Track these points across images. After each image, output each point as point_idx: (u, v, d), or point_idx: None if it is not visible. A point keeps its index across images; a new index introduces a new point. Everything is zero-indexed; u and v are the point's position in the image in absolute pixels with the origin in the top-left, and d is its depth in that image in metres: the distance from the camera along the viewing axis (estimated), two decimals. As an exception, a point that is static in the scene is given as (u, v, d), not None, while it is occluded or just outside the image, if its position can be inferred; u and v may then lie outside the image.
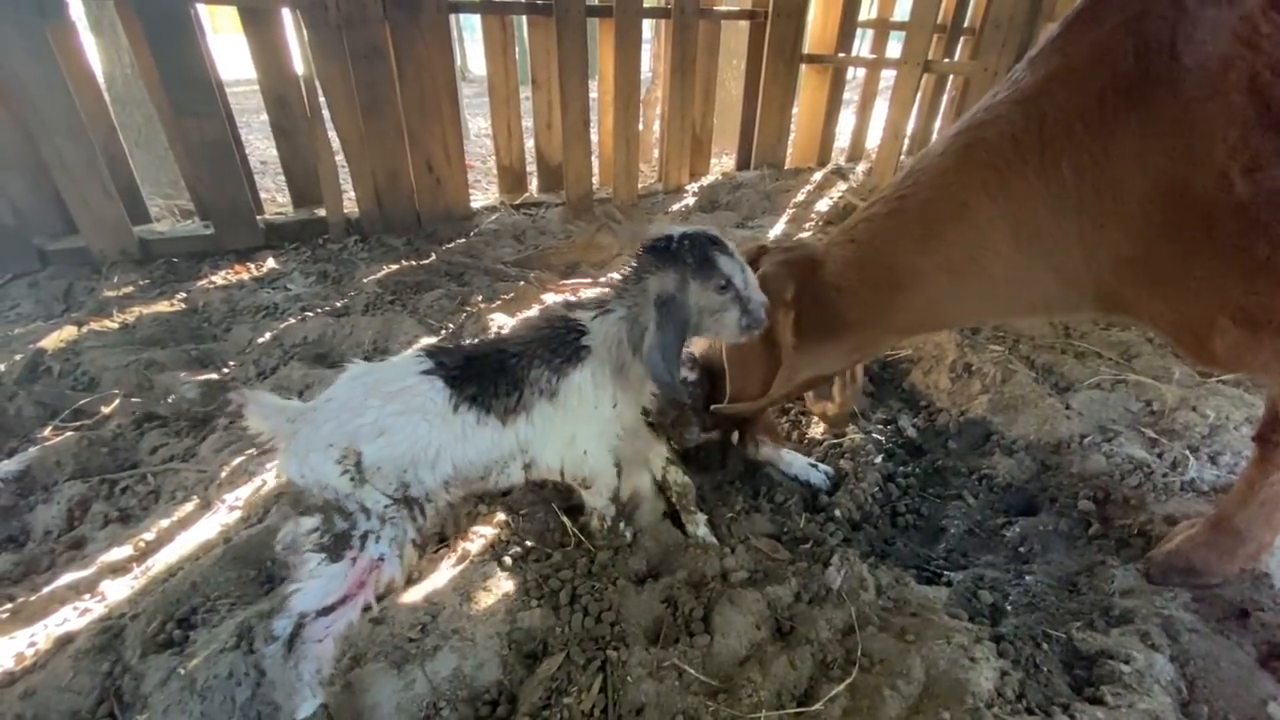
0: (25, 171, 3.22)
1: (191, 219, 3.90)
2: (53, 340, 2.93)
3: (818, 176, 5.05)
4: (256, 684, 1.52)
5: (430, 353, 1.58)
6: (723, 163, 5.46)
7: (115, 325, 3.13)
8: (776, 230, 4.20)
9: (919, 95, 4.77)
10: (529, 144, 4.85)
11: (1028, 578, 1.73)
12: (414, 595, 1.69)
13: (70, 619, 1.73)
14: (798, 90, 5.20)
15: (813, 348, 1.78)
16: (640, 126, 5.19)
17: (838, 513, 1.95)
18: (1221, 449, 2.07)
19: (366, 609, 1.50)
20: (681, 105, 4.64)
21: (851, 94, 7.35)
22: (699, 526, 1.89)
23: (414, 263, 3.82)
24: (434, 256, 3.92)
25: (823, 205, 4.49)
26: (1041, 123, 1.25)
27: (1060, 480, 2.06)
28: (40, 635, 1.68)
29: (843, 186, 4.79)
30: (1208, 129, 1.06)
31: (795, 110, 5.39)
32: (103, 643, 1.63)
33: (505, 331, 1.78)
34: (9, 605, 1.77)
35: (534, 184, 4.82)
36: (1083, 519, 1.91)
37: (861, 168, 5.37)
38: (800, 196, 4.72)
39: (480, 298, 3.40)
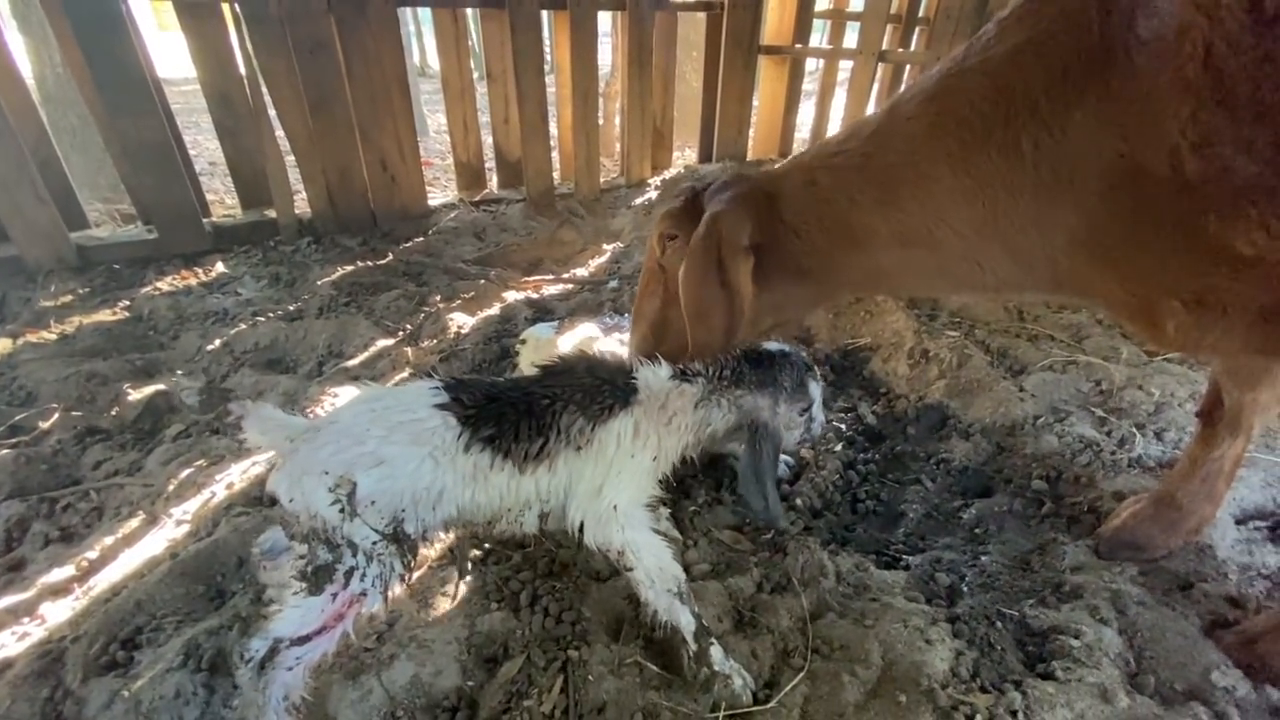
0: (-53, 177, 3.06)
1: (133, 223, 3.74)
2: (-16, 354, 2.79)
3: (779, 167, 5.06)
4: (205, 703, 1.47)
5: (448, 385, 1.51)
6: (685, 155, 5.45)
7: (53, 336, 3.00)
8: (738, 222, 4.20)
9: (875, 85, 4.81)
10: (487, 140, 4.77)
11: (983, 558, 1.76)
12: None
13: (8, 644, 1.65)
14: (757, 82, 5.21)
15: (772, 293, 1.70)
16: (600, 120, 5.15)
17: (799, 501, 1.96)
18: (1166, 425, 2.13)
19: (344, 640, 1.39)
20: (641, 98, 4.61)
21: (811, 85, 7.40)
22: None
23: (370, 263, 3.74)
24: (391, 256, 3.84)
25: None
26: (1008, 96, 1.21)
27: (1014, 461, 2.10)
28: (-26, 664, 1.60)
29: (803, 177, 4.81)
30: (1161, 104, 1.03)
31: (755, 102, 5.40)
32: (42, 667, 1.56)
33: (537, 372, 1.62)
34: (-60, 635, 1.68)
35: (494, 180, 4.75)
36: (1036, 498, 1.96)
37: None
38: (761, 187, 4.72)
39: (439, 297, 3.34)
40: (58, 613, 1.73)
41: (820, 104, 5.50)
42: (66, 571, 1.86)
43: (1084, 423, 2.18)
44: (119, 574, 1.83)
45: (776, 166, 1.81)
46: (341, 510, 1.30)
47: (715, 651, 1.39)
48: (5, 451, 2.30)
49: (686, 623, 1.40)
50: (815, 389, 1.63)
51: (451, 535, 1.63)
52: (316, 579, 1.30)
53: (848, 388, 2.59)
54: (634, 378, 1.61)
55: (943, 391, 2.43)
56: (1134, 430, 2.11)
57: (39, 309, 3.16)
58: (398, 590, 1.44)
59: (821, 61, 5.55)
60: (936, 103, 1.34)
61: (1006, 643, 1.48)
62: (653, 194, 4.73)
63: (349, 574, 1.31)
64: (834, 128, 5.33)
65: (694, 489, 2.06)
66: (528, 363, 2.38)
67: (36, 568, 1.89)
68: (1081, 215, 1.21)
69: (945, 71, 1.34)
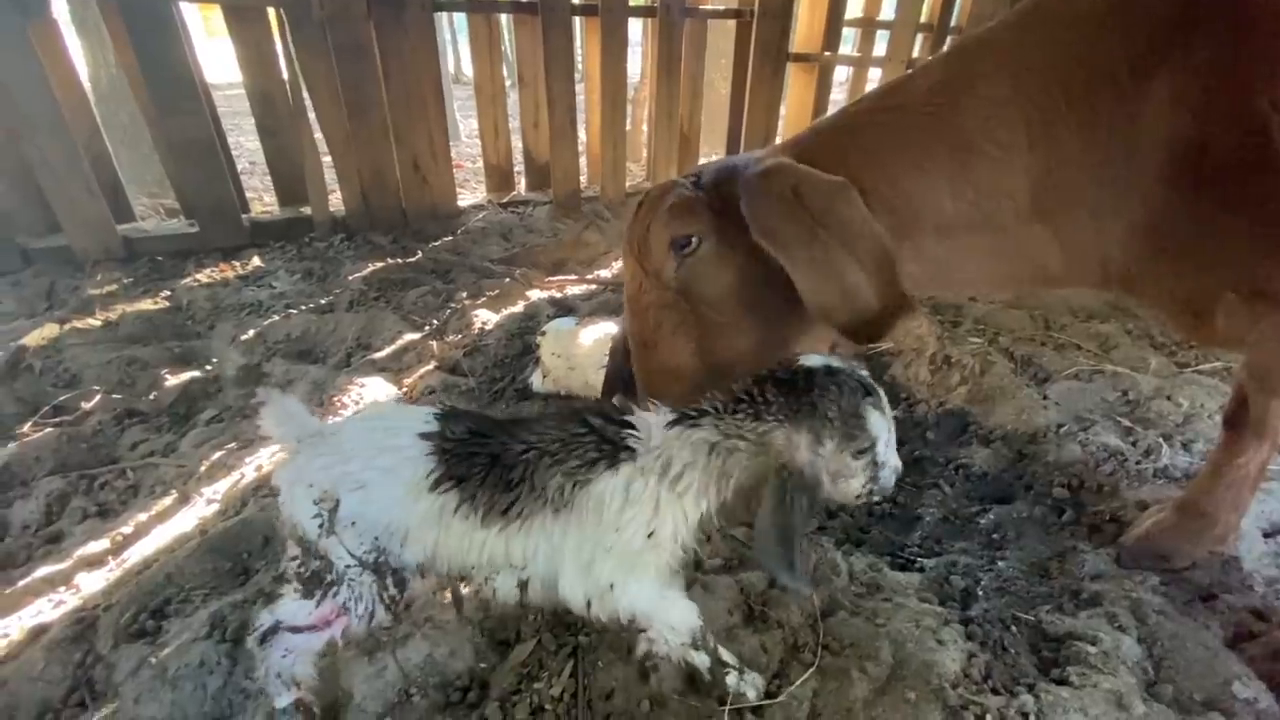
0: (7, 170, 3.22)
1: (176, 217, 3.89)
2: (34, 338, 2.93)
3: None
4: (229, 673, 1.52)
5: (443, 414, 1.33)
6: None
7: (98, 323, 3.13)
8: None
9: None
10: (518, 145, 4.86)
11: (1000, 563, 1.74)
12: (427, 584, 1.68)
13: (44, 611, 1.72)
14: (785, 90, 5.22)
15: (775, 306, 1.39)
16: (629, 126, 5.21)
17: (814, 502, 1.96)
18: (1194, 437, 2.09)
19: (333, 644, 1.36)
20: (669, 104, 4.66)
21: (840, 95, 7.38)
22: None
23: (399, 260, 3.83)
24: (420, 254, 3.93)
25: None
26: (1092, 62, 1.09)
27: (1036, 469, 2.07)
28: (13, 627, 1.68)
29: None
30: (1250, 75, 0.94)
31: (783, 110, 5.40)
32: (75, 633, 1.63)
33: (533, 420, 1.37)
34: (-17, 598, 1.77)
35: (522, 183, 4.83)
36: (1056, 506, 1.93)
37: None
38: (787, 194, 4.73)
39: (465, 294, 3.41)
40: (92, 583, 1.81)
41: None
42: (102, 545, 1.94)
43: (1109, 432, 2.15)
44: (151, 548, 1.91)
45: (796, 136, 1.48)
46: (321, 526, 1.25)
47: (731, 679, 1.33)
48: (49, 430, 2.41)
49: (701, 662, 1.33)
50: (879, 422, 1.16)
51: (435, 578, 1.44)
52: (308, 583, 1.29)
53: (868, 392, 2.58)
54: (627, 427, 1.26)
55: (964, 398, 2.40)
56: (1160, 440, 2.06)
57: (85, 297, 3.30)
58: (382, 616, 1.34)
59: (851, 70, 5.54)
60: (1018, 62, 1.17)
61: (1020, 646, 1.47)
62: (678, 198, 4.76)
63: (330, 585, 1.28)
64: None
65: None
66: (548, 354, 2.42)
67: (73, 540, 1.97)
68: (1145, 201, 1.11)
69: (1019, 24, 1.19)
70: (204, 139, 3.48)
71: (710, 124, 5.33)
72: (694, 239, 1.37)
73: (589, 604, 1.27)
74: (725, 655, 1.36)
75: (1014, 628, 1.51)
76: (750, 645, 1.48)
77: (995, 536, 1.85)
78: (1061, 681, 1.36)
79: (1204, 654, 1.40)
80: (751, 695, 1.32)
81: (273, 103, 3.71)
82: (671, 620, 1.30)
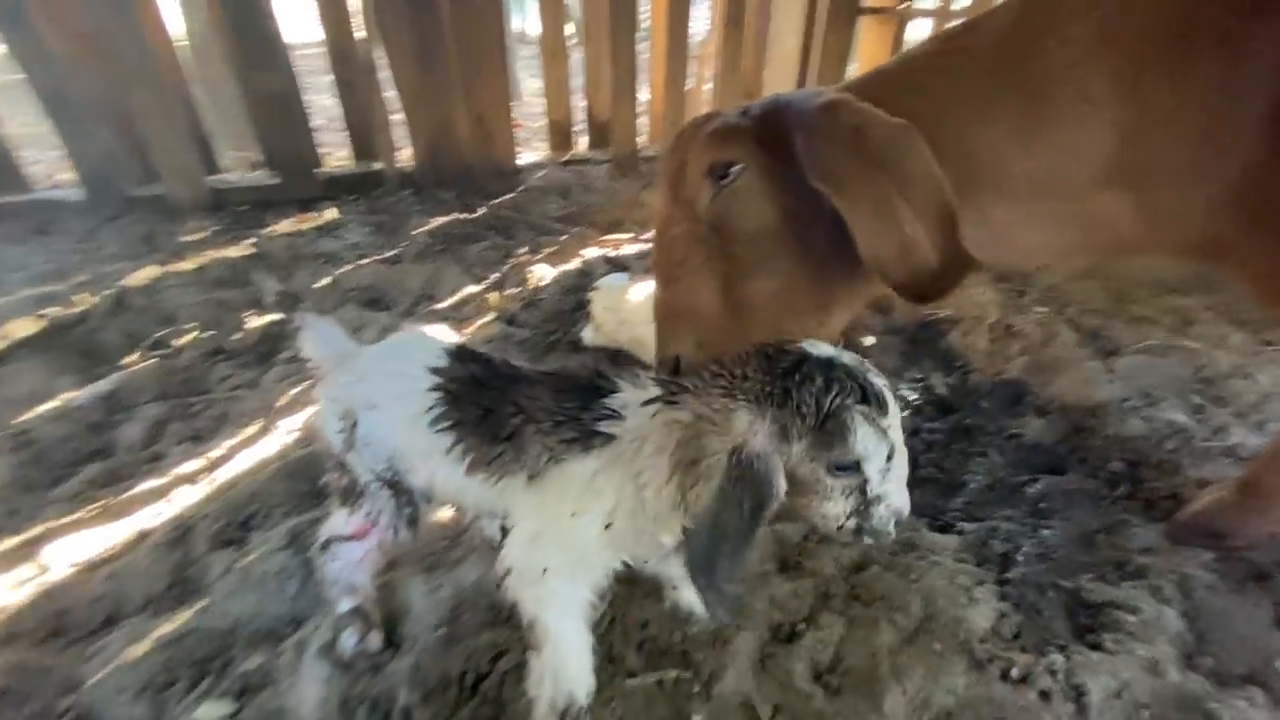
0: (113, 121, 3.47)
1: (259, 170, 4.12)
2: (136, 278, 3.20)
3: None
4: (304, 581, 1.70)
5: (455, 352, 1.29)
6: (775, 122, 5.34)
7: (190, 267, 3.38)
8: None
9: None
10: (580, 103, 4.87)
11: (1044, 532, 1.72)
12: (446, 512, 1.82)
13: (147, 519, 1.95)
14: (856, 44, 5.00)
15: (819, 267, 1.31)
16: (692, 84, 5.12)
17: (856, 462, 1.97)
18: (1270, 417, 1.98)
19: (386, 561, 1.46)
20: (734, 59, 4.55)
21: (917, 50, 6.99)
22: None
23: (462, 216, 3.95)
24: (482, 210, 4.04)
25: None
26: (1189, 15, 1.00)
27: (1093, 442, 2.02)
28: (122, 531, 1.90)
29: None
30: None
31: (854, 65, 5.19)
32: (174, 538, 1.84)
33: (536, 380, 1.23)
34: (98, 505, 2.01)
35: (583, 142, 4.85)
36: (1110, 479, 1.88)
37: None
38: (852, 156, 4.58)
39: (524, 250, 3.50)
40: (187, 497, 2.02)
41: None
42: (196, 465, 2.15)
43: (1176, 409, 2.06)
44: (238, 469, 2.11)
45: (856, 78, 1.40)
46: (344, 441, 1.31)
47: None
48: (150, 362, 2.67)
49: (539, 696, 1.20)
50: (870, 440, 0.92)
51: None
52: (342, 496, 1.38)
53: (921, 360, 2.54)
54: (611, 406, 1.12)
55: (1023, 368, 2.34)
56: (1232, 419, 1.97)
57: (179, 243, 3.57)
58: (408, 536, 1.41)
59: (931, 24, 5.25)
60: (1107, 5, 1.08)
61: (1056, 611, 1.47)
62: (738, 159, 4.69)
63: (358, 500, 1.36)
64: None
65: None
66: (600, 309, 2.48)
67: (172, 460, 2.19)
68: (1244, 164, 1.02)
69: None
70: (284, 94, 3.66)
71: (776, 81, 5.17)
72: (734, 168, 1.27)
73: (507, 574, 1.19)
74: None
75: (1051, 593, 1.50)
76: (782, 590, 1.54)
77: (1042, 506, 1.83)
78: (1095, 646, 1.36)
79: (1250, 630, 1.37)
80: None
81: (348, 58, 3.84)
82: (561, 668, 1.18)
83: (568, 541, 1.14)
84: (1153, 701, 1.25)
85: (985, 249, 1.26)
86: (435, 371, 1.24)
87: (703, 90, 5.31)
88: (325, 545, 1.41)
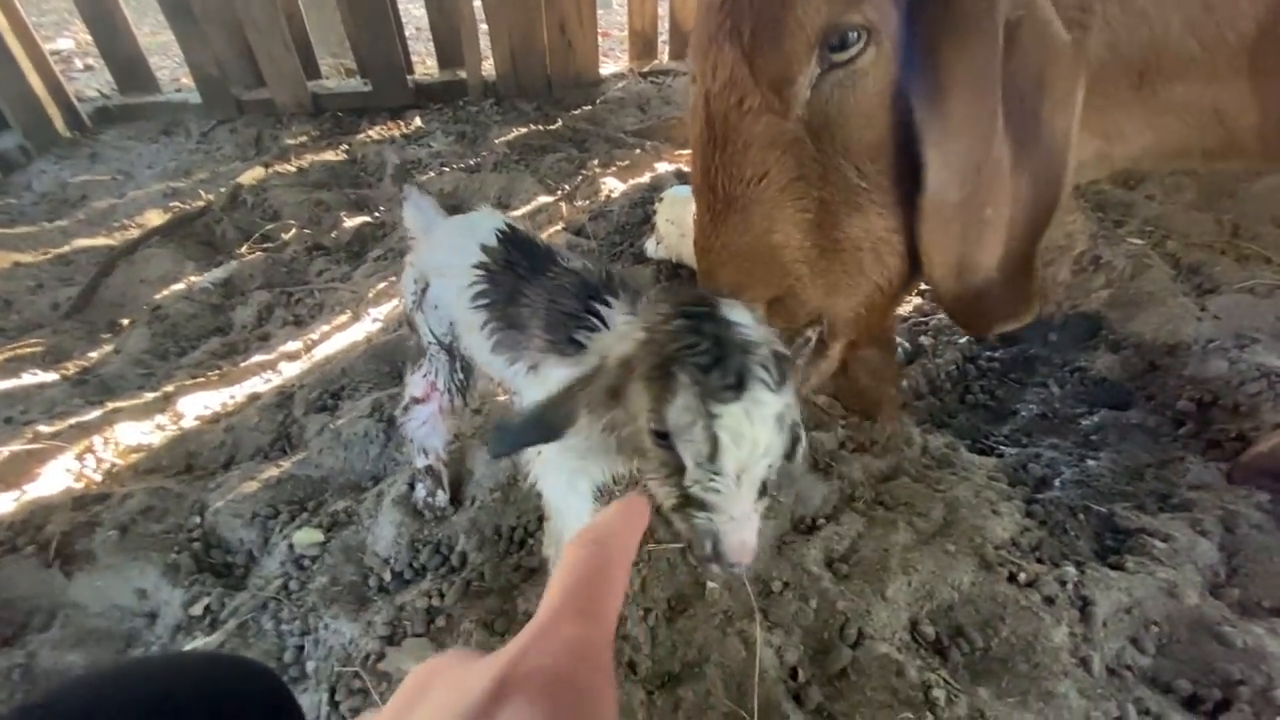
0: (224, 26, 3.70)
1: (354, 77, 4.30)
2: (247, 177, 3.49)
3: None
4: (384, 445, 1.94)
5: (505, 234, 1.28)
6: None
7: (293, 169, 3.65)
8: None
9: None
10: (665, 12, 4.70)
11: (1089, 462, 1.70)
12: (506, 396, 1.99)
13: (258, 386, 2.24)
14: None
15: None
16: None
17: (904, 383, 1.98)
18: (1380, 366, 1.81)
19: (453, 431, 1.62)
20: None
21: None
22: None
23: (540, 127, 4.00)
24: (559, 122, 4.07)
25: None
26: None
27: (1166, 381, 1.92)
28: (237, 393, 2.21)
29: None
30: None
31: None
32: (279, 401, 2.13)
33: (565, 264, 1.21)
34: (218, 372, 2.32)
35: (665, 53, 4.72)
36: (1176, 418, 1.80)
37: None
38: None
39: (597, 162, 3.54)
40: (290, 370, 2.30)
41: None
42: (297, 345, 2.42)
43: (1270, 352, 1.91)
44: (332, 350, 2.37)
45: None
46: (415, 303, 1.44)
47: None
48: (258, 254, 2.96)
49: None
50: (686, 415, 0.76)
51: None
52: (416, 355, 1.54)
53: (993, 288, 2.44)
54: (594, 317, 1.05)
55: (1104, 301, 2.21)
56: (1333, 366, 1.82)
57: (284, 145, 3.84)
58: (460, 402, 1.52)
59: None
60: None
61: (1082, 531, 1.48)
62: (827, 73, 4.44)
63: (424, 362, 1.51)
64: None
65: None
66: (663, 220, 2.52)
67: (277, 340, 2.48)
68: None
69: None
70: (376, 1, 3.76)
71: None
72: (862, 35, 0.87)
73: (528, 460, 1.25)
74: None
75: (1081, 515, 1.51)
76: (809, 489, 1.62)
77: (1093, 438, 1.79)
78: (1116, 567, 1.37)
79: (1291, 569, 1.34)
80: None
81: (436, -37, 3.88)
82: (565, 533, 1.27)
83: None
84: (1163, 621, 1.27)
85: (1092, 154, 1.05)
86: (484, 250, 1.26)
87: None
88: (405, 407, 1.61)
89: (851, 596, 1.35)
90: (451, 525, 1.67)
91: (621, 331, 0.97)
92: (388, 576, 1.59)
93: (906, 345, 2.12)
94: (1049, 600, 1.29)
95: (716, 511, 0.77)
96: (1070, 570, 1.33)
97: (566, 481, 1.22)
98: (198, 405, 2.15)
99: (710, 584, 1.43)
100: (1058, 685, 1.16)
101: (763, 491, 0.80)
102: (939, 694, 1.17)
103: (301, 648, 1.46)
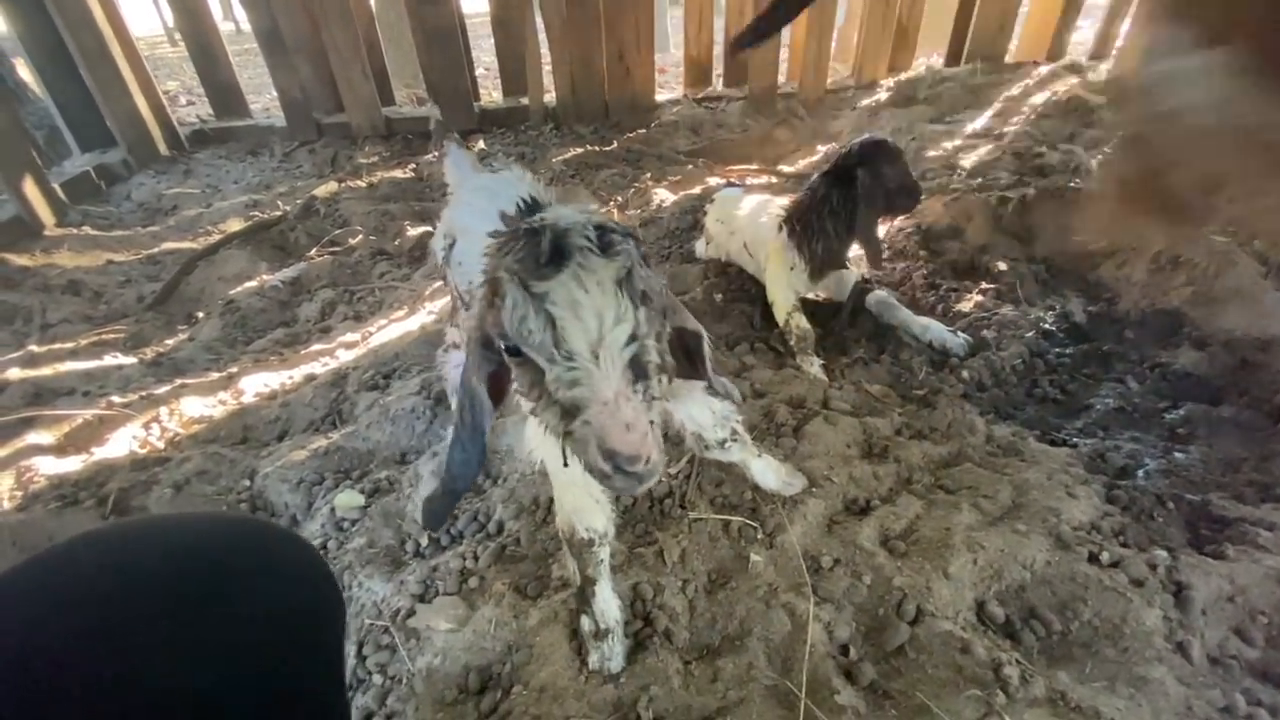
0: (310, 55, 4.01)
1: (424, 104, 4.56)
2: (321, 191, 3.70)
3: (1043, 71, 4.38)
4: (430, 421, 1.95)
5: (526, 201, 1.26)
6: (931, 60, 4.95)
7: (364, 184, 3.85)
8: (977, 125, 3.80)
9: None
10: (719, 37, 4.83)
11: (1177, 454, 1.55)
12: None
13: (315, 368, 2.31)
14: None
15: None
16: (841, 20, 4.88)
17: (965, 374, 1.88)
18: None
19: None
20: (886, -8, 4.28)
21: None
22: (812, 365, 1.95)
23: (596, 148, 4.12)
24: (615, 144, 4.18)
25: (1040, 99, 3.93)
26: None
27: (1260, 377, 1.76)
28: (296, 375, 2.28)
29: (1073, 81, 4.12)
30: None
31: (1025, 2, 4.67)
32: (333, 380, 2.18)
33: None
34: (279, 357, 2.42)
35: (720, 80, 4.83)
36: (1274, 413, 1.63)
37: (1105, 66, 4.54)
38: (1015, 91, 4.16)
39: (649, 176, 3.60)
40: (347, 356, 2.37)
41: (1118, -2, 4.56)
42: (356, 336, 2.50)
43: (1383, 348, 1.73)
44: (387, 337, 2.43)
45: None
46: (444, 258, 1.43)
47: (597, 606, 1.20)
48: (326, 256, 3.11)
49: (571, 570, 1.24)
50: (516, 306, 0.75)
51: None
52: (452, 312, 1.53)
53: (1062, 288, 2.31)
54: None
55: (1185, 299, 2.06)
56: None
57: (357, 164, 4.08)
58: None
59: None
60: None
61: (1173, 520, 1.33)
62: (882, 95, 4.43)
63: (456, 314, 1.48)
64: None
65: (851, 347, 2.08)
66: (713, 220, 2.52)
67: (337, 333, 2.57)
68: None
69: None
70: (448, 28, 4.01)
71: (933, 15, 4.78)
72: None
73: (528, 431, 1.18)
74: (601, 593, 1.19)
75: (1171, 504, 1.36)
76: (862, 471, 1.54)
77: (1180, 431, 1.64)
78: (1215, 556, 1.23)
79: None
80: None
81: (505, -2, 4.12)
82: (564, 499, 1.17)
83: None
84: (1273, 610, 1.12)
85: None
86: (502, 217, 1.25)
87: (855, 29, 5.03)
88: (445, 349, 1.62)
89: (910, 573, 1.24)
90: (489, 496, 1.65)
91: None
92: (424, 541, 1.57)
93: (969, 339, 2.02)
94: (1137, 583, 1.16)
95: (588, 405, 0.71)
96: (1161, 554, 1.20)
97: (558, 448, 1.15)
98: (258, 384, 2.23)
99: (754, 557, 1.35)
100: (1151, 670, 1.03)
101: (641, 373, 0.74)
102: (1011, 672, 1.05)
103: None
